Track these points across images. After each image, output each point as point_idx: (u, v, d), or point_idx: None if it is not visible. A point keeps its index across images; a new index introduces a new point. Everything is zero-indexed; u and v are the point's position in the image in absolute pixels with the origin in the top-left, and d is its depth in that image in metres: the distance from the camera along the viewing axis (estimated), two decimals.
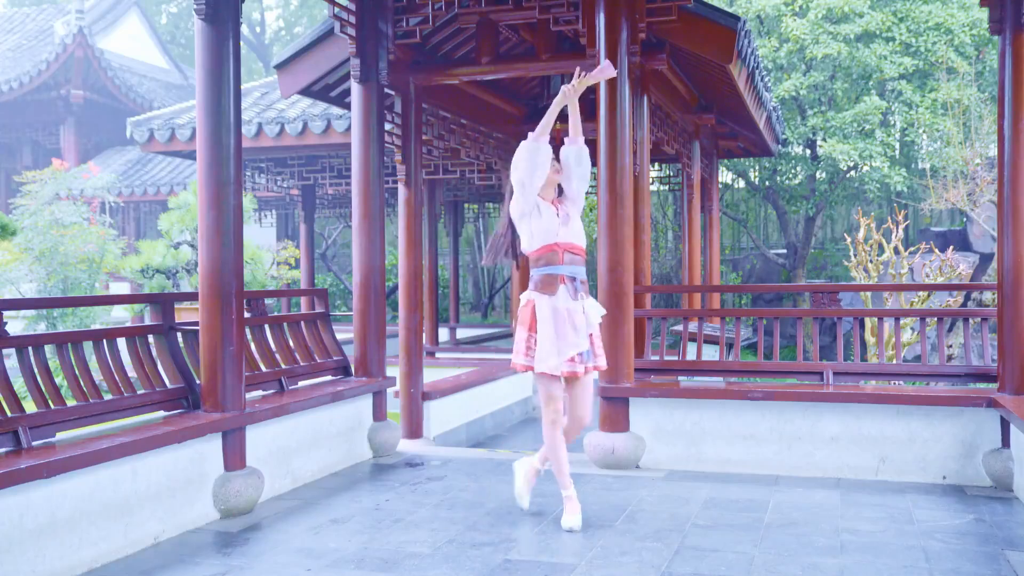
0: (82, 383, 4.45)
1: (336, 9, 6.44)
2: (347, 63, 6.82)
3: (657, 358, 6.49)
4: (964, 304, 11.05)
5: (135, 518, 4.27)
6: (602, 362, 4.59)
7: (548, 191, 4.59)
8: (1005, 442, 5.36)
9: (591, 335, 4.52)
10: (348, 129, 9.99)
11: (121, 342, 4.82)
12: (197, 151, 4.92)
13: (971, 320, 6.76)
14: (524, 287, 4.79)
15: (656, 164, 11.58)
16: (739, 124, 10.04)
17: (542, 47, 7.01)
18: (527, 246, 4.53)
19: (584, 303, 4.49)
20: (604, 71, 4.50)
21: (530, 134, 4.41)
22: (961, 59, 12.94)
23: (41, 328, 10.39)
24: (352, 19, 6.54)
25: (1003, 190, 5.42)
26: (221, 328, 4.86)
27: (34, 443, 4.03)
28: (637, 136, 6.53)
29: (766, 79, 9.08)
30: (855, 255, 10.67)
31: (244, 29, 32.29)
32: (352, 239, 6.76)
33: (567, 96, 4.42)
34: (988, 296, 11.18)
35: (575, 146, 4.57)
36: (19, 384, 4.74)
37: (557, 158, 4.56)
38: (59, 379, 5.46)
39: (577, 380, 4.52)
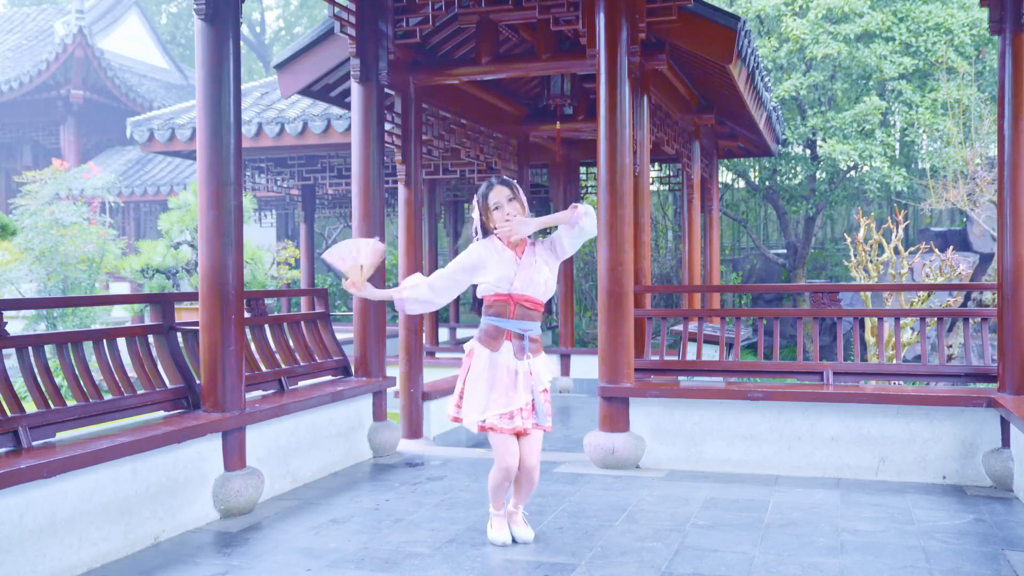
0: (82, 383, 4.45)
1: (336, 9, 6.44)
2: (347, 63, 6.82)
3: (657, 358, 6.49)
4: (964, 304, 11.04)
5: (135, 518, 4.27)
6: (549, 423, 4.20)
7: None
8: (1005, 442, 5.36)
9: (545, 391, 4.21)
10: (348, 129, 9.99)
11: (121, 342, 4.82)
12: (197, 151, 4.92)
13: (971, 320, 6.76)
14: None
15: (656, 164, 11.58)
16: (739, 124, 10.04)
17: (542, 47, 7.01)
18: (480, 290, 4.20)
19: (531, 362, 4.13)
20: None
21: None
22: (961, 59, 12.93)
23: (41, 328, 10.40)
24: (352, 19, 6.54)
25: (1003, 190, 5.42)
26: (221, 328, 4.86)
27: (34, 443, 4.03)
28: (637, 136, 6.53)
29: (766, 79, 9.08)
30: (855, 255, 10.66)
31: (244, 29, 32.29)
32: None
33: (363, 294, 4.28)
34: (988, 296, 11.17)
35: (575, 228, 4.11)
36: (19, 384, 4.75)
37: (511, 195, 4.15)
38: (59, 379, 5.46)
39: (525, 434, 4.17)
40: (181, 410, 4.94)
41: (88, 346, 4.65)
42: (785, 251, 15.95)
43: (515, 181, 4.26)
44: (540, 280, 4.14)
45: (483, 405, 4.10)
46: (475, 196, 4.25)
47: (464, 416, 4.18)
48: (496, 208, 4.14)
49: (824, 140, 13.62)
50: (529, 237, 4.23)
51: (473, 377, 4.15)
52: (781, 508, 4.91)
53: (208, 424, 4.71)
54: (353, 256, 4.23)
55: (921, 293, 9.69)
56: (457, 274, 4.19)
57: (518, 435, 4.16)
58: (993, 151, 12.26)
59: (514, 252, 4.15)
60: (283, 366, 5.94)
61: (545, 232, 4.50)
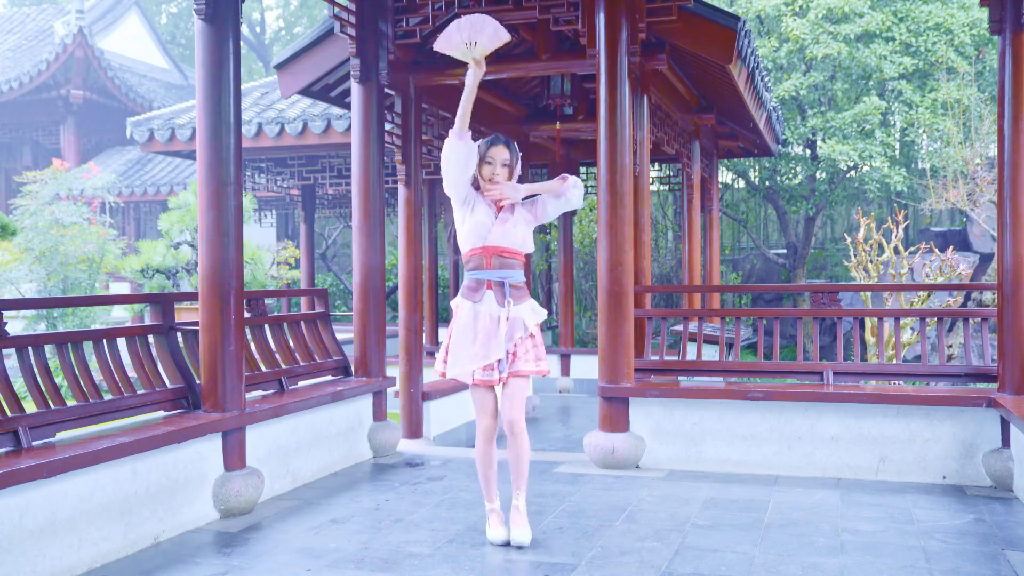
0: (82, 383, 4.45)
1: (336, 9, 6.44)
2: (347, 63, 6.82)
3: (657, 358, 6.49)
4: (964, 304, 11.04)
5: (135, 518, 4.27)
6: (544, 366, 4.24)
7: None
8: (1005, 442, 5.36)
9: (532, 336, 4.22)
10: (348, 129, 9.99)
11: (121, 342, 4.82)
12: (197, 151, 4.93)
13: (971, 320, 6.76)
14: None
15: (656, 164, 11.58)
16: (739, 124, 10.04)
17: (542, 47, 7.01)
18: (461, 247, 4.30)
19: (511, 309, 4.16)
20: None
21: (451, 132, 4.10)
22: (961, 59, 12.93)
23: (41, 328, 10.40)
24: (352, 19, 6.54)
25: (1003, 190, 5.42)
26: (221, 328, 4.86)
27: (34, 443, 4.03)
28: (637, 136, 6.53)
29: (766, 79, 9.08)
30: (855, 255, 10.66)
31: (244, 29, 32.29)
32: (352, 239, 6.76)
33: (477, 75, 4.09)
34: (988, 296, 11.17)
35: (561, 199, 4.29)
36: (19, 384, 4.75)
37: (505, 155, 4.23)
38: (59, 379, 5.46)
39: (507, 384, 4.23)
40: (181, 410, 4.94)
41: (88, 346, 4.65)
42: (785, 251, 15.95)
43: (517, 147, 4.32)
44: (516, 235, 4.23)
45: (469, 357, 4.16)
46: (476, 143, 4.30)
47: (449, 369, 4.24)
48: (488, 163, 4.23)
49: (824, 140, 13.61)
50: None
51: (458, 330, 4.21)
52: (781, 508, 4.91)
53: (208, 424, 4.71)
54: (462, 38, 4.04)
55: (921, 293, 9.69)
56: (468, 167, 4.16)
57: (502, 384, 4.21)
58: (993, 151, 12.26)
59: (495, 207, 4.26)
60: (283, 366, 5.94)
61: None
